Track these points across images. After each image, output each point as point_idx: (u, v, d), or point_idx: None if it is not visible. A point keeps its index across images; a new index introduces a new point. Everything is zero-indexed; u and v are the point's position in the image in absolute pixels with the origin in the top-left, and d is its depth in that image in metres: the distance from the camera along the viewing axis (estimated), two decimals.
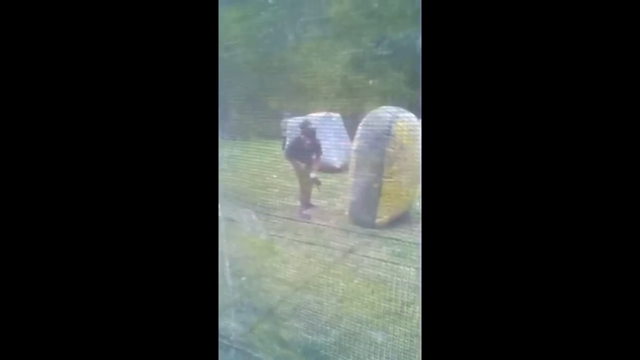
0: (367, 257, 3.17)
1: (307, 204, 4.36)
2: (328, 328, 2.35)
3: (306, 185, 4.35)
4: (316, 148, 4.47)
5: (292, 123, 8.45)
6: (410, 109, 3.47)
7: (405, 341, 2.10)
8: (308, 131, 4.52)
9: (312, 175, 4.29)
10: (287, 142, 5.41)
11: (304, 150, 4.36)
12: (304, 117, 7.85)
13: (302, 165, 4.38)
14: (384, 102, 3.65)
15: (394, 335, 2.17)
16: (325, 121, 7.12)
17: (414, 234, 3.53)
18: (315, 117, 7.51)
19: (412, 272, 2.79)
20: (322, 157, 4.56)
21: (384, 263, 3.02)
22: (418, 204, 4.21)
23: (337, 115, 7.42)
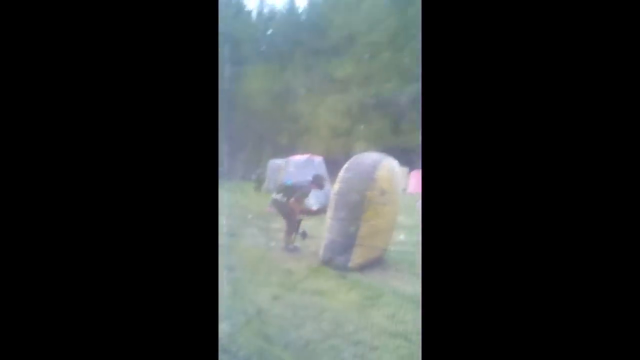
0: (337, 300, 3.07)
1: (291, 245, 4.53)
2: None
3: (292, 226, 4.50)
4: (306, 194, 4.70)
5: (272, 165, 8.55)
6: (393, 155, 3.59)
7: None
8: (319, 181, 4.78)
9: (302, 230, 4.49)
10: (277, 183, 5.65)
11: (300, 194, 4.55)
12: (285, 159, 7.96)
13: (292, 207, 4.52)
14: (369, 148, 3.79)
15: None
16: (307, 164, 7.24)
17: (386, 279, 3.47)
18: (297, 159, 7.64)
19: (380, 317, 2.70)
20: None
21: (353, 306, 2.92)
22: (392, 249, 4.21)
23: (320, 158, 7.58)
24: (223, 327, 2.49)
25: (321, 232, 4.26)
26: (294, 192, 4.58)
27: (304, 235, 4.56)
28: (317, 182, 4.74)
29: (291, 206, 4.51)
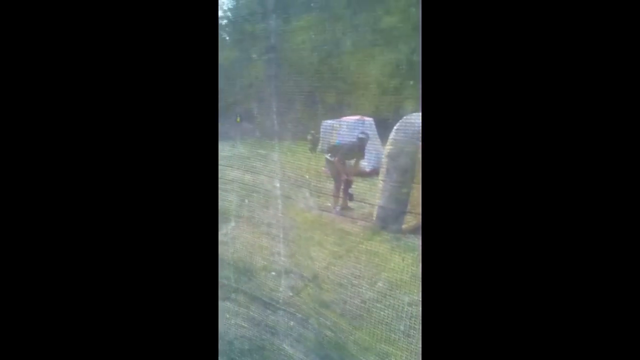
0: (392, 261, 3.20)
1: (338, 207, 4.55)
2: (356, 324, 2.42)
3: (339, 186, 4.56)
4: (360, 155, 4.69)
5: (326, 125, 8.55)
6: None
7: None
8: (363, 140, 4.77)
9: (350, 191, 4.53)
10: (329, 144, 5.71)
11: (349, 154, 4.57)
12: (338, 120, 7.92)
13: (337, 166, 4.57)
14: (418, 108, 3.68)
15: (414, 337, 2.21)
16: (358, 125, 7.18)
17: None
18: (348, 120, 7.59)
19: None
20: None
21: (408, 268, 3.03)
22: None
23: (370, 119, 7.45)
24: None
25: (375, 194, 4.33)
26: (340, 151, 4.63)
27: (350, 197, 4.61)
28: (360, 142, 4.71)
29: (336, 165, 4.58)
